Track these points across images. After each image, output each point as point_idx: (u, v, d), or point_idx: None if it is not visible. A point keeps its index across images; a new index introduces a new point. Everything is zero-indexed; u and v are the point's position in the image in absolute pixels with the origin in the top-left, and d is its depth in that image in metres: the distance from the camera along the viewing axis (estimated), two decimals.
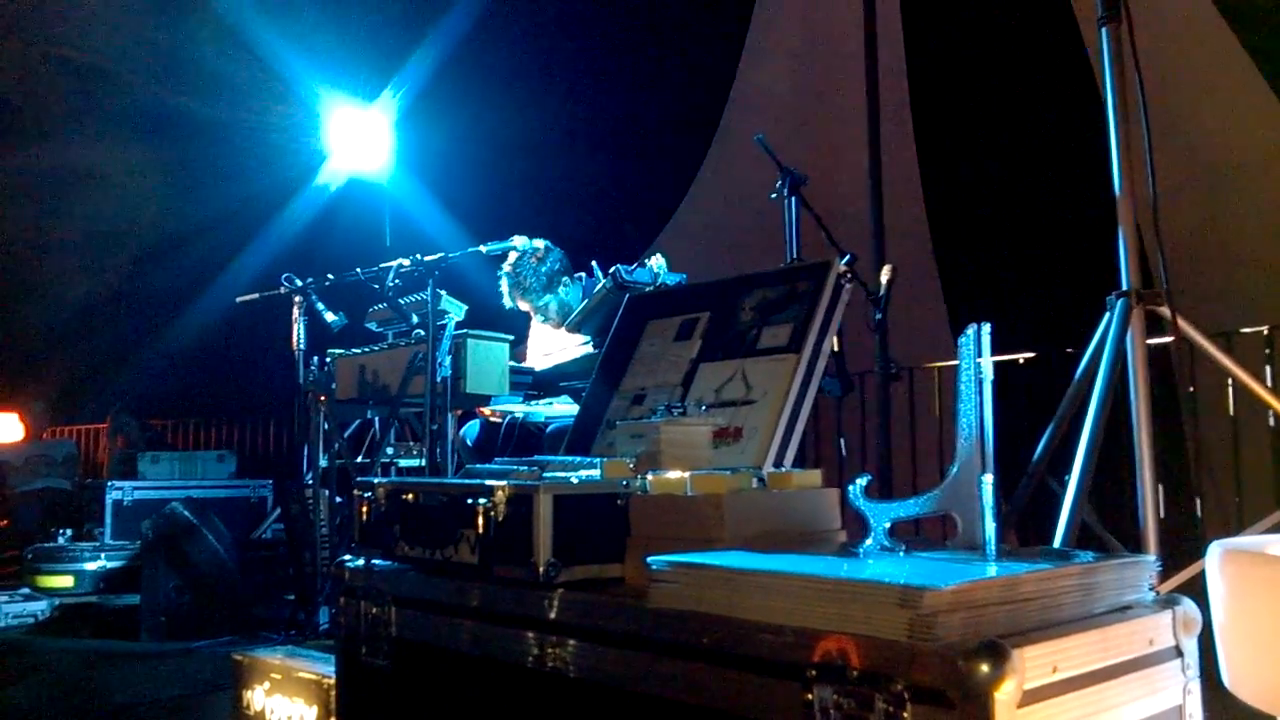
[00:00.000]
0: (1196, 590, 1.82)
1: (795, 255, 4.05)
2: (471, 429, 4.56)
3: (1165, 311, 3.29)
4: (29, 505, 7.74)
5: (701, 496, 1.88)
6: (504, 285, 4.64)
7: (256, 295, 4.87)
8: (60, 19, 9.11)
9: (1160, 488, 3.33)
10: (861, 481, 1.71)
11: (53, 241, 11.29)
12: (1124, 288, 3.35)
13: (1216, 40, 4.73)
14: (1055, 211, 5.76)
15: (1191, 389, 4.13)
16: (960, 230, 6.12)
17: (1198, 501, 4.23)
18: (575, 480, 2.03)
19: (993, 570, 1.45)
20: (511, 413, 4.35)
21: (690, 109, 7.49)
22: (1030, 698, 1.26)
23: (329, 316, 4.60)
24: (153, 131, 10.08)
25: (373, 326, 4.58)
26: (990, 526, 1.59)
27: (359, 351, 4.53)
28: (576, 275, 4.63)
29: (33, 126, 10.26)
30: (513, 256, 4.53)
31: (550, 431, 4.20)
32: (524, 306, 4.67)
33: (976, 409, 1.68)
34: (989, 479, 1.60)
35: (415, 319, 4.20)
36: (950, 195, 6.15)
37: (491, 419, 4.45)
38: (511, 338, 4.25)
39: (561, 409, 4.36)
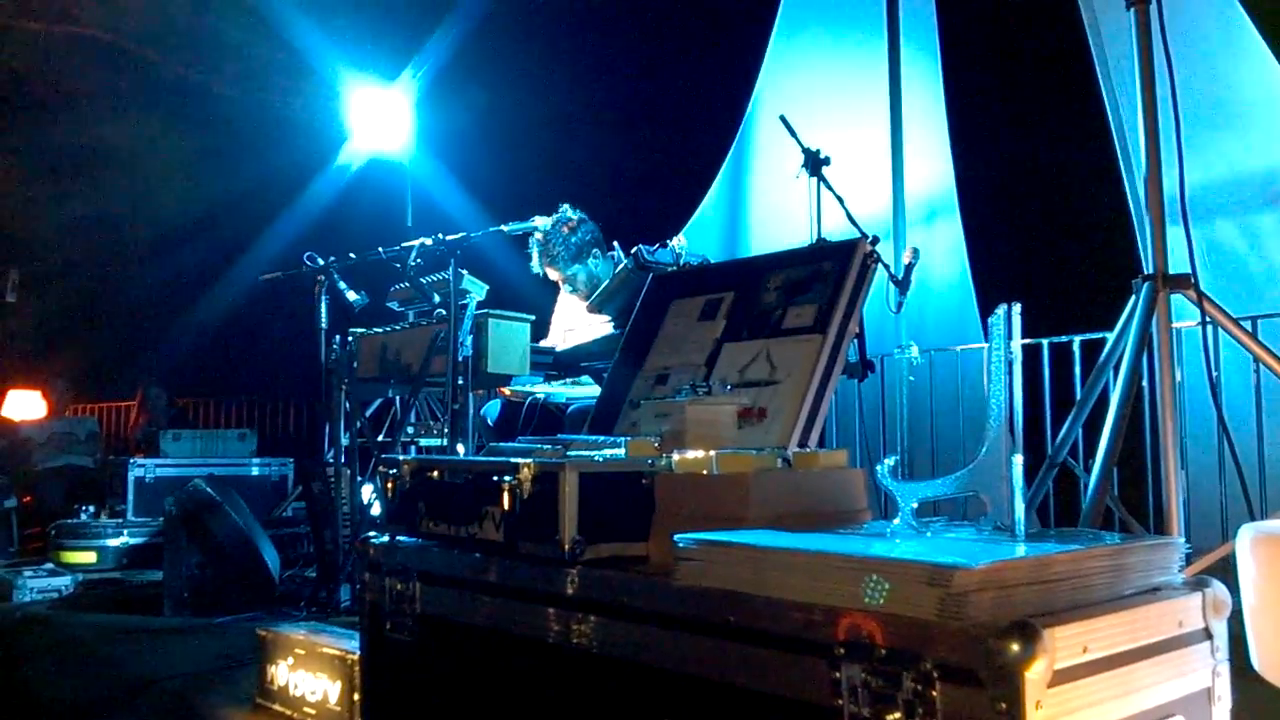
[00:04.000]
0: (1220, 574, 1.81)
1: (819, 235, 4.03)
2: (492, 408, 4.56)
3: (1192, 295, 3.27)
4: (52, 482, 7.80)
5: (727, 476, 1.88)
6: (534, 251, 4.61)
7: (279, 274, 4.88)
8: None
9: (1185, 472, 3.31)
10: (889, 461, 1.70)
11: (76, 221, 11.35)
12: (1150, 271, 3.33)
13: (1238, 34, 4.66)
14: (1086, 194, 5.73)
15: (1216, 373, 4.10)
16: (991, 212, 6.09)
17: (1222, 486, 4.20)
18: (600, 459, 2.04)
19: (1022, 550, 1.45)
20: (533, 393, 4.36)
21: (718, 87, 7.44)
22: (1060, 678, 1.26)
23: (351, 295, 4.60)
24: (176, 112, 10.12)
25: (394, 306, 4.58)
26: (1019, 507, 1.59)
27: (380, 331, 4.54)
28: (610, 252, 4.60)
29: (56, 107, 10.31)
30: (545, 223, 4.51)
31: (572, 411, 4.20)
32: (552, 275, 4.64)
33: (1006, 390, 1.67)
34: (1019, 459, 1.60)
35: (437, 298, 4.20)
36: (981, 176, 6.11)
37: (512, 399, 4.45)
38: (533, 318, 4.25)
39: (583, 390, 4.36)
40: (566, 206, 4.52)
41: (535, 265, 4.63)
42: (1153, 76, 3.41)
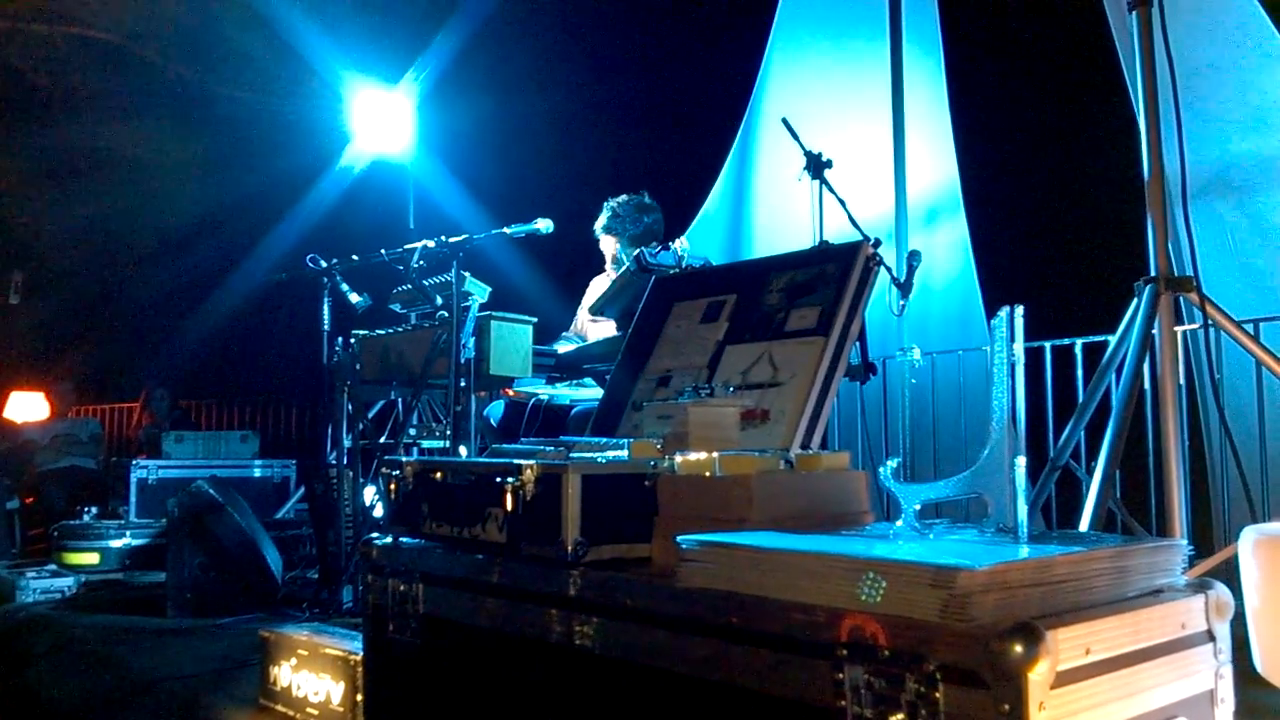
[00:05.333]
0: (1223, 576, 1.81)
1: (821, 238, 4.03)
2: (496, 409, 4.56)
3: (1194, 297, 3.27)
4: (55, 483, 7.81)
5: (730, 478, 1.88)
6: (603, 214, 4.62)
7: (282, 276, 4.89)
8: (87, 1, 9.15)
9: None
10: (892, 463, 1.71)
11: (80, 224, 11.37)
12: (1152, 273, 3.33)
13: (1251, 28, 4.66)
14: (1089, 196, 5.73)
15: (1217, 376, 4.09)
16: (994, 214, 6.08)
17: (1224, 488, 4.21)
18: (603, 460, 2.04)
19: (1025, 552, 1.45)
20: (536, 394, 4.36)
21: (720, 89, 7.44)
22: (1063, 679, 1.26)
23: (353, 297, 4.61)
24: (179, 115, 10.14)
25: (396, 308, 4.58)
26: (1022, 509, 1.59)
27: (383, 332, 4.54)
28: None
29: (60, 110, 10.33)
30: (623, 196, 4.55)
31: (575, 413, 4.20)
32: (607, 245, 4.64)
33: (1008, 392, 1.68)
34: (1021, 461, 1.60)
35: (439, 300, 4.20)
36: (985, 177, 6.11)
37: (515, 399, 4.45)
38: (535, 320, 4.25)
39: (586, 392, 4.36)
40: (645, 193, 4.58)
41: (598, 228, 4.65)
42: (1155, 78, 3.42)
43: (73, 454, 8.12)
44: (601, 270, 4.83)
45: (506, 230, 4.22)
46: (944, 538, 1.64)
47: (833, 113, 6.22)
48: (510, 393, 4.45)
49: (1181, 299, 3.35)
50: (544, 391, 4.36)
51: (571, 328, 4.92)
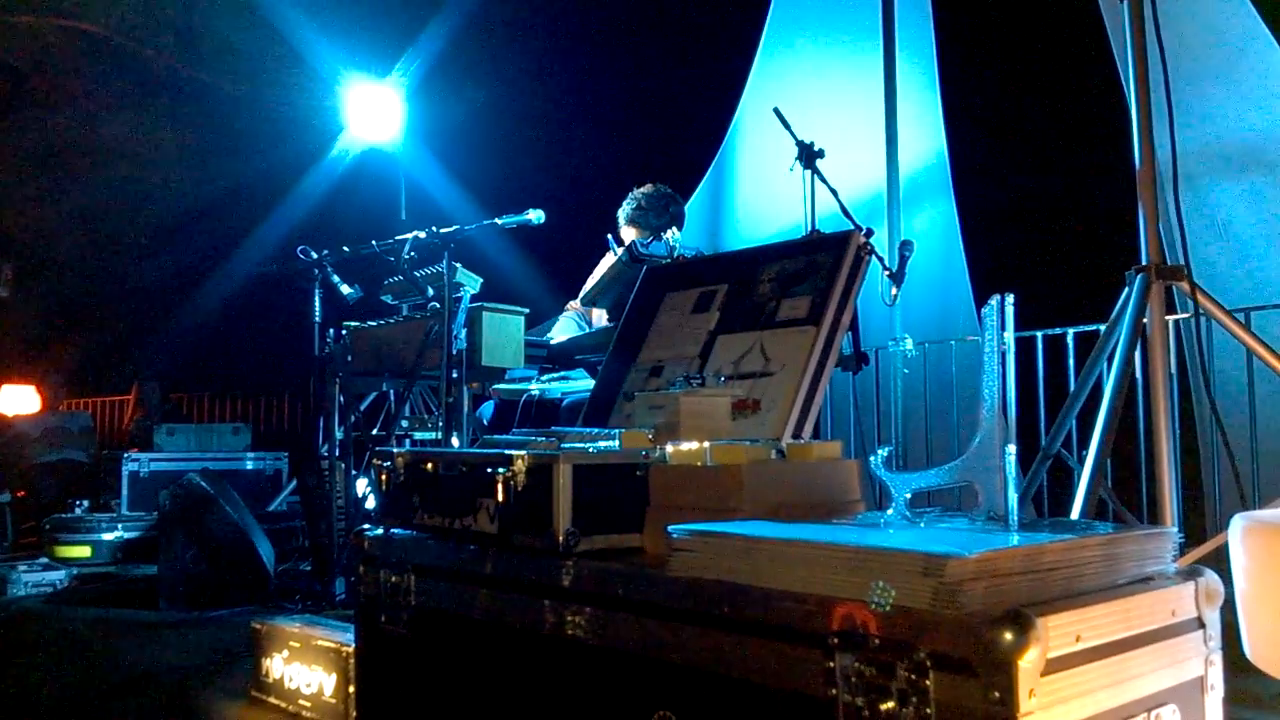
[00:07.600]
0: (1213, 564, 1.81)
1: (813, 228, 4.02)
2: (486, 409, 4.56)
3: (1185, 286, 3.27)
4: (46, 477, 7.78)
5: (721, 467, 1.88)
6: (627, 204, 4.56)
7: (273, 267, 4.88)
8: None
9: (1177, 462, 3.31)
10: (883, 452, 1.71)
11: (69, 215, 11.32)
12: (1143, 262, 3.33)
13: (1236, 16, 4.66)
14: (1081, 185, 5.74)
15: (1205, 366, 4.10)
16: (986, 203, 6.08)
17: (1215, 476, 4.22)
18: (594, 450, 2.04)
19: (1015, 540, 1.45)
20: (528, 390, 4.35)
21: (713, 78, 7.42)
22: (1053, 666, 1.26)
23: (344, 289, 4.60)
24: (170, 106, 10.10)
25: (388, 299, 4.57)
26: (1013, 496, 1.59)
27: (374, 324, 4.53)
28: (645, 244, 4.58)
29: (49, 101, 10.28)
30: (648, 187, 4.52)
31: (567, 405, 4.20)
32: (628, 232, 4.58)
33: (999, 380, 1.68)
34: (1012, 449, 1.60)
35: (431, 291, 4.20)
36: (976, 166, 6.11)
37: (505, 399, 4.43)
38: (527, 310, 4.24)
39: (576, 384, 4.35)
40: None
41: (621, 217, 4.60)
42: (1146, 69, 3.41)
43: (64, 447, 8.08)
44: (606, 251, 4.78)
45: (498, 221, 4.21)
46: (935, 526, 1.64)
47: (822, 98, 6.21)
48: (499, 389, 4.43)
49: (1174, 287, 3.35)
50: (535, 386, 4.35)
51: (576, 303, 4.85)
